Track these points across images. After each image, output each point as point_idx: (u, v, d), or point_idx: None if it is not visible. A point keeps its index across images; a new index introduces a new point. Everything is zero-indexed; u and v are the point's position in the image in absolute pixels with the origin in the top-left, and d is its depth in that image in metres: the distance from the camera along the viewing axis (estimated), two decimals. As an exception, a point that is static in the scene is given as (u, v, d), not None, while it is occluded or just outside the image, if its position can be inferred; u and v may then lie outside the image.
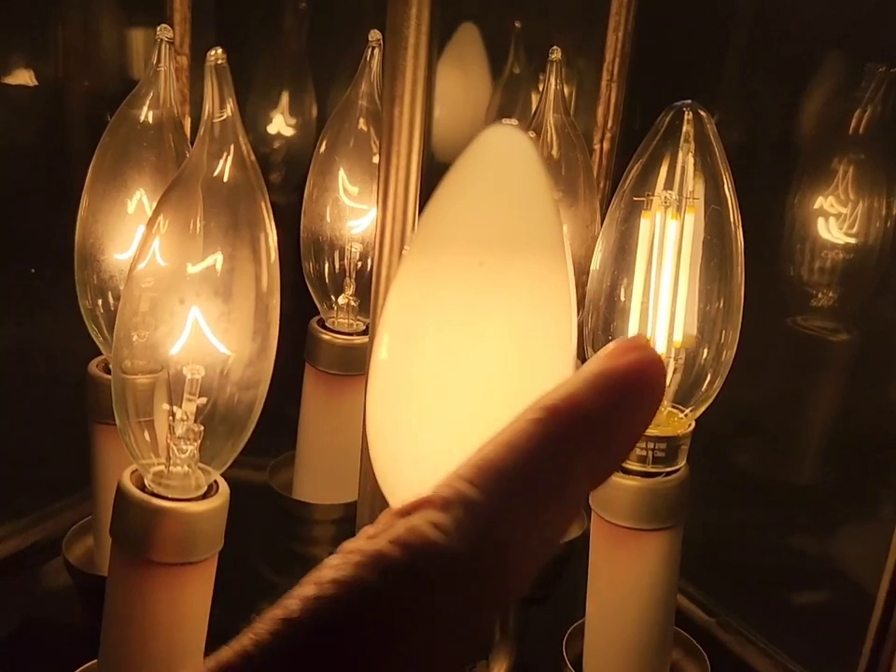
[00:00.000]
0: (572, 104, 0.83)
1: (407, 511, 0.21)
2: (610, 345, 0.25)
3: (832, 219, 0.72)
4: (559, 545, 0.23)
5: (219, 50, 0.37)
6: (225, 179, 0.37)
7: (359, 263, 0.60)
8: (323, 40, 0.94)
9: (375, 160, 0.60)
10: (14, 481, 0.67)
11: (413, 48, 0.44)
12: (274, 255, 0.39)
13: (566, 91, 0.90)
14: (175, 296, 0.38)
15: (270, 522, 0.68)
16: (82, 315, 0.52)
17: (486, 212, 0.32)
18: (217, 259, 0.38)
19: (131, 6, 0.78)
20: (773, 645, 0.65)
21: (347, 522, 0.64)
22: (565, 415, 0.23)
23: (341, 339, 0.60)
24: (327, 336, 0.60)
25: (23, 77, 0.72)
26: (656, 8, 0.74)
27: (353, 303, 0.61)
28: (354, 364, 0.61)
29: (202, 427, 0.40)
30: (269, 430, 0.48)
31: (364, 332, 0.62)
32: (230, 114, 0.37)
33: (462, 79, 0.92)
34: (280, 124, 0.93)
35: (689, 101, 0.44)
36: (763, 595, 0.71)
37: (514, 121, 0.32)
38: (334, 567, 0.20)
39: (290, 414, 0.66)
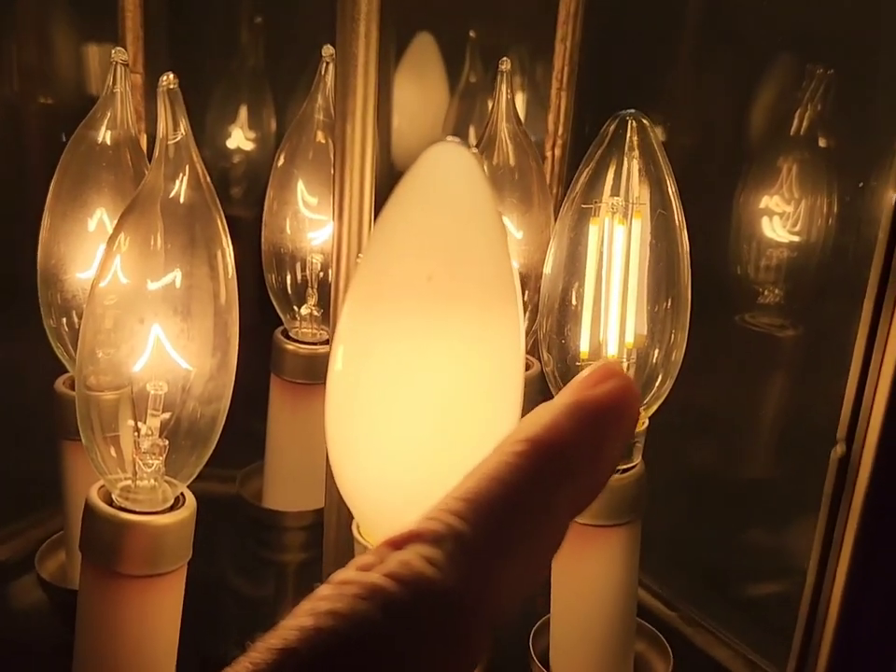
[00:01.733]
0: (526, 111, 0.85)
1: (398, 544, 0.21)
2: (585, 373, 0.26)
3: (776, 218, 0.74)
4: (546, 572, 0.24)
5: (171, 75, 0.38)
6: (181, 200, 0.39)
7: (321, 274, 0.61)
8: (279, 54, 0.95)
9: (329, 170, 0.61)
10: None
11: (362, 66, 0.45)
12: (232, 271, 0.40)
13: (521, 98, 0.92)
14: (135, 314, 0.39)
15: (239, 531, 0.69)
16: (46, 333, 0.53)
17: (433, 227, 0.33)
18: (175, 278, 0.39)
19: (85, 23, 0.79)
20: (732, 636, 0.67)
21: (317, 528, 0.66)
22: (547, 447, 0.24)
23: (305, 348, 0.62)
24: (291, 346, 0.62)
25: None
26: (603, 17, 0.75)
27: (315, 313, 0.62)
28: (318, 372, 0.61)
29: (166, 442, 0.41)
30: (236, 441, 0.49)
31: (327, 341, 0.63)
32: (183, 135, 0.39)
33: (420, 88, 0.93)
34: (239, 138, 0.94)
35: (632, 110, 0.45)
36: (721, 589, 0.73)
37: (458, 139, 0.33)
38: (329, 598, 0.20)
39: (257, 426, 0.67)
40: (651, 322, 0.46)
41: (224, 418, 0.42)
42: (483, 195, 0.33)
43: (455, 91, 0.90)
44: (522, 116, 0.65)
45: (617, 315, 0.46)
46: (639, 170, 0.45)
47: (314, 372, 0.62)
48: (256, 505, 0.65)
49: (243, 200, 0.91)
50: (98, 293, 0.40)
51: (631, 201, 0.45)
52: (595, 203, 0.46)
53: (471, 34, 0.88)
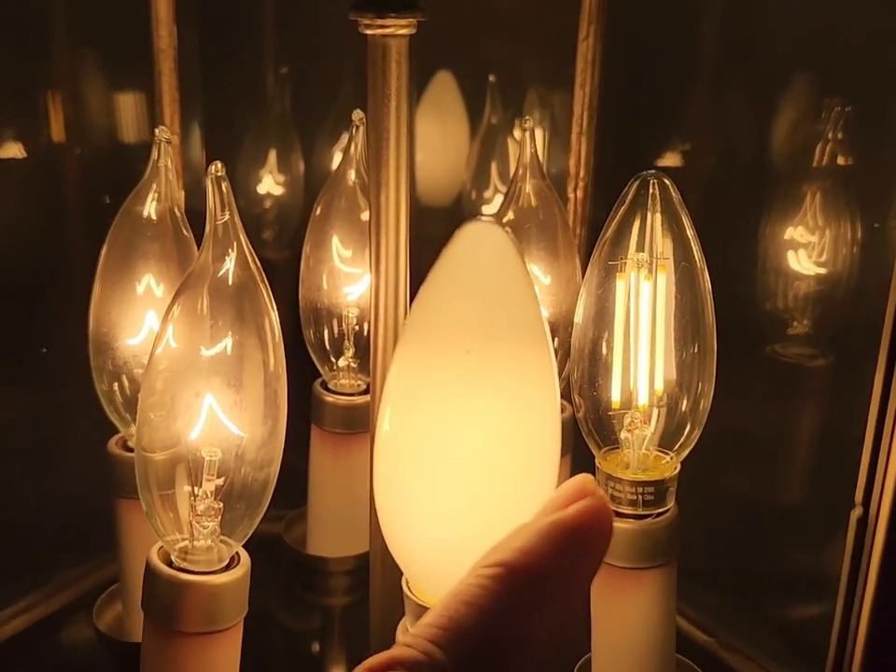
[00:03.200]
0: (547, 149, 0.87)
1: (377, 670, 0.22)
2: (559, 492, 0.26)
3: (801, 250, 0.75)
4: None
5: (219, 164, 0.40)
6: (230, 281, 0.41)
7: (356, 327, 0.63)
8: (304, 100, 0.98)
9: (364, 226, 0.63)
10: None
11: (394, 139, 0.47)
12: (279, 338, 0.42)
13: (540, 135, 0.94)
14: (190, 385, 0.42)
15: (285, 573, 0.71)
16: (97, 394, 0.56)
17: (470, 303, 0.35)
18: (226, 349, 0.41)
19: (119, 72, 0.81)
20: (771, 661, 0.68)
21: (360, 572, 0.68)
22: (522, 570, 0.24)
23: (344, 399, 0.64)
24: (330, 398, 0.64)
25: (14, 149, 0.75)
26: (622, 58, 0.77)
27: (353, 364, 0.64)
28: (357, 422, 0.64)
29: (221, 504, 0.43)
30: (280, 482, 0.51)
31: (365, 392, 0.65)
32: (230, 216, 0.41)
33: (440, 124, 0.95)
34: (269, 184, 0.97)
35: (653, 171, 0.47)
36: (758, 613, 0.74)
37: (491, 217, 0.35)
38: None
39: (298, 467, 0.69)
40: (679, 371, 0.48)
41: (275, 481, 0.44)
42: (517, 271, 0.35)
43: (477, 131, 0.92)
44: (541, 152, 0.67)
45: (646, 365, 0.48)
46: (662, 226, 0.47)
47: (353, 422, 0.64)
48: (300, 551, 0.67)
49: (275, 243, 0.94)
50: (154, 365, 0.42)
51: (655, 255, 0.47)
52: (621, 259, 0.48)
53: (491, 78, 0.90)
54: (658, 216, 0.47)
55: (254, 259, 0.42)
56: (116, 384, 0.55)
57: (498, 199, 0.91)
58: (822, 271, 0.74)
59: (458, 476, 0.36)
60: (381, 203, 0.48)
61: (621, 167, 0.80)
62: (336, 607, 0.68)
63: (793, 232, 0.76)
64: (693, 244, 0.48)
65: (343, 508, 0.66)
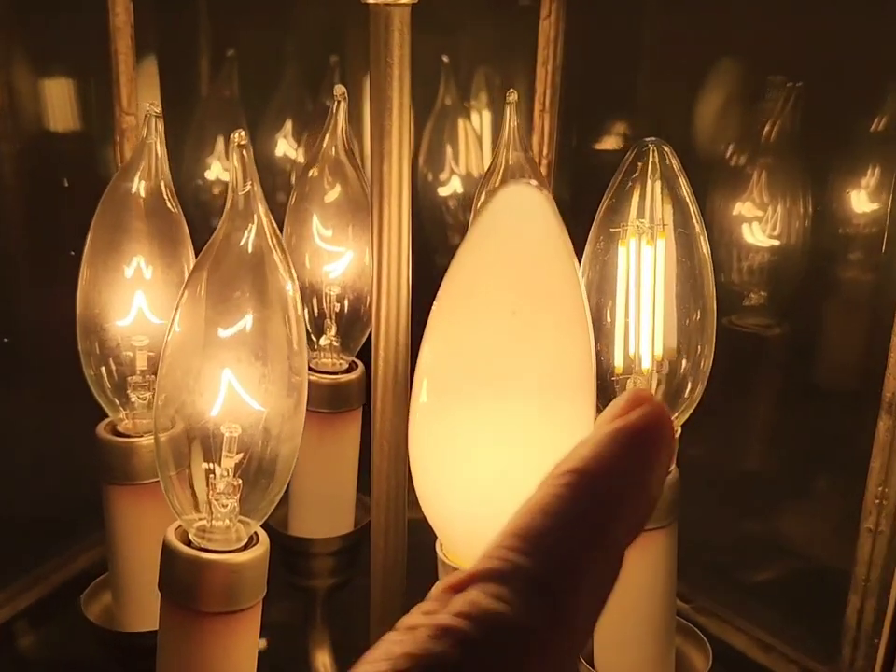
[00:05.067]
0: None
1: (459, 587, 0.21)
2: (619, 401, 0.26)
3: (754, 223, 0.78)
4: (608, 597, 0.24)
5: (242, 133, 0.39)
6: (251, 253, 0.40)
7: (338, 305, 0.63)
8: (251, 84, 0.97)
9: (345, 205, 0.63)
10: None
11: (397, 108, 0.47)
12: (300, 314, 0.42)
13: (489, 118, 0.95)
14: (210, 359, 0.41)
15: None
16: (86, 381, 0.54)
17: (513, 265, 0.35)
18: (248, 323, 0.40)
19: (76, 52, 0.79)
20: (745, 621, 0.71)
21: (343, 553, 0.67)
22: (592, 476, 0.23)
23: (327, 378, 0.63)
24: (314, 377, 0.63)
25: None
26: (583, 36, 0.78)
27: (335, 343, 0.64)
28: (342, 401, 0.64)
29: (240, 482, 0.43)
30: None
31: (348, 370, 0.65)
32: (251, 187, 0.40)
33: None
34: (218, 170, 0.95)
35: (653, 138, 0.48)
36: (727, 577, 0.76)
37: (533, 181, 0.35)
38: (401, 642, 0.20)
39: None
40: (680, 335, 0.49)
41: (296, 456, 0.43)
42: (557, 233, 0.36)
43: (431, 113, 0.92)
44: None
45: (649, 331, 0.49)
46: (661, 192, 0.48)
47: (336, 401, 0.64)
48: (282, 532, 0.67)
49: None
50: (172, 341, 0.41)
51: (655, 222, 0.48)
52: (623, 226, 0.48)
53: (444, 58, 0.90)
54: (657, 182, 0.48)
55: (275, 231, 0.41)
56: (104, 367, 0.53)
57: (454, 180, 0.91)
58: (775, 243, 0.76)
59: (500, 440, 0.36)
60: (383, 173, 0.48)
61: (584, 145, 0.81)
62: (320, 589, 0.68)
63: (742, 207, 0.78)
64: (692, 209, 0.49)
65: (327, 488, 0.66)
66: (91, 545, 0.72)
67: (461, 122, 0.91)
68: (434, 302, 0.38)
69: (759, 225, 0.77)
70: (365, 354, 0.61)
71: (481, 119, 0.93)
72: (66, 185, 0.72)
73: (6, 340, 0.69)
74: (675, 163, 0.48)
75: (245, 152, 0.40)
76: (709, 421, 0.81)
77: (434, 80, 0.91)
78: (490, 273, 0.36)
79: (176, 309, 0.41)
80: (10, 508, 0.67)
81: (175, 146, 0.86)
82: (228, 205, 0.41)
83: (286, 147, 0.99)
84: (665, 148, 0.48)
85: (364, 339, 0.65)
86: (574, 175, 0.81)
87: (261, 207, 0.41)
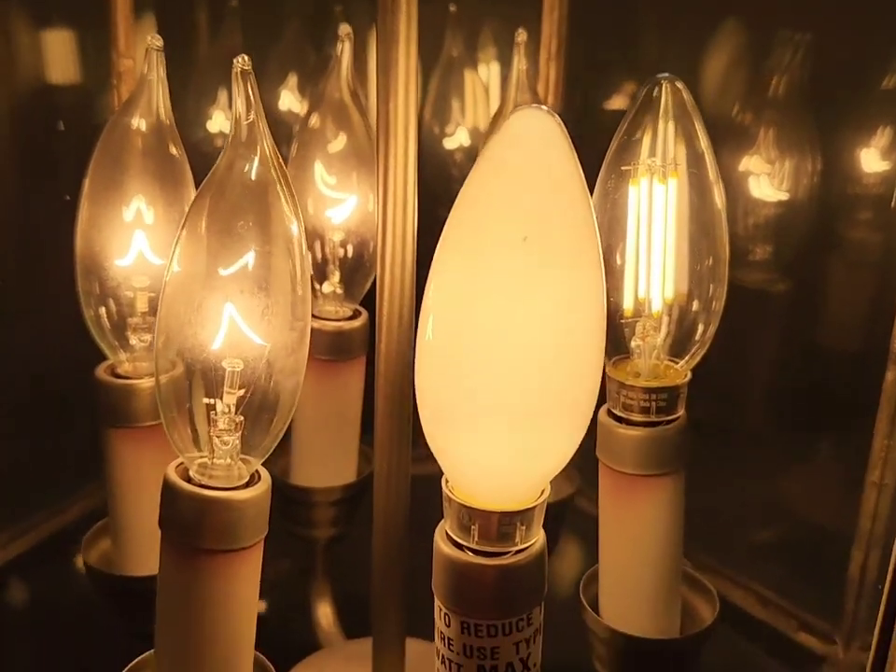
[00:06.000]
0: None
1: None
2: None
3: (762, 178, 0.77)
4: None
5: (245, 57, 0.38)
6: (255, 183, 0.39)
7: (341, 251, 0.62)
8: (251, 36, 0.95)
9: (349, 149, 0.62)
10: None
11: (404, 42, 0.46)
12: (305, 249, 0.41)
13: (496, 70, 0.93)
14: (213, 292, 0.40)
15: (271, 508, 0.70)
16: (85, 321, 0.54)
17: (524, 190, 0.34)
18: (252, 255, 0.39)
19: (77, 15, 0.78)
20: (746, 577, 0.70)
21: (346, 503, 0.67)
22: None
23: (330, 325, 0.63)
24: (316, 324, 0.62)
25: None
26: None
27: (338, 291, 0.63)
28: (344, 349, 0.63)
29: (242, 418, 0.42)
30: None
31: (351, 318, 0.64)
32: (255, 116, 0.39)
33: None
34: (220, 122, 0.94)
35: (666, 74, 0.47)
36: (729, 534, 0.76)
37: (544, 106, 0.34)
38: None
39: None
40: (691, 277, 0.48)
41: (300, 391, 0.43)
42: (570, 159, 0.35)
43: (437, 65, 0.91)
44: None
45: (660, 273, 0.48)
46: (674, 131, 0.47)
47: (339, 349, 0.63)
48: (284, 481, 0.66)
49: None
50: (173, 274, 0.40)
51: (667, 161, 0.47)
52: (634, 164, 0.47)
53: (451, 8, 0.89)
54: (670, 120, 0.47)
55: (280, 165, 0.40)
56: (103, 308, 0.53)
57: (460, 132, 0.90)
58: (782, 197, 0.75)
59: (509, 374, 0.36)
60: (389, 112, 0.47)
61: (591, 95, 0.80)
62: (321, 539, 0.67)
63: (750, 162, 0.77)
64: (705, 149, 0.48)
65: (329, 437, 0.65)
66: (85, 494, 0.71)
67: (468, 74, 0.90)
68: (441, 235, 0.37)
69: (766, 179, 0.76)
70: (369, 302, 0.61)
71: (488, 71, 0.92)
72: (62, 128, 0.71)
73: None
74: (689, 100, 0.47)
75: (249, 79, 0.39)
76: (711, 378, 0.81)
77: (440, 31, 0.90)
78: (500, 199, 0.35)
79: (176, 242, 0.40)
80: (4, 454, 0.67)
81: (176, 99, 0.85)
82: (231, 136, 0.39)
83: (290, 100, 0.98)
84: (679, 85, 0.47)
85: (368, 286, 0.64)
86: (580, 124, 0.79)
87: (266, 138, 0.40)
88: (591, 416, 0.38)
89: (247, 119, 0.39)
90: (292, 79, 0.97)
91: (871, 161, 0.73)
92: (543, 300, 0.34)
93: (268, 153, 0.40)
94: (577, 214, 0.35)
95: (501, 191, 0.34)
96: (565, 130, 0.34)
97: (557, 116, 0.34)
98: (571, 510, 0.67)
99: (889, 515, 0.59)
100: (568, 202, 0.35)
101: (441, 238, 0.36)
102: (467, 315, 0.35)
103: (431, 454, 0.39)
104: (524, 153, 0.34)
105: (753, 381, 0.81)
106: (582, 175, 0.35)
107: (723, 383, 0.81)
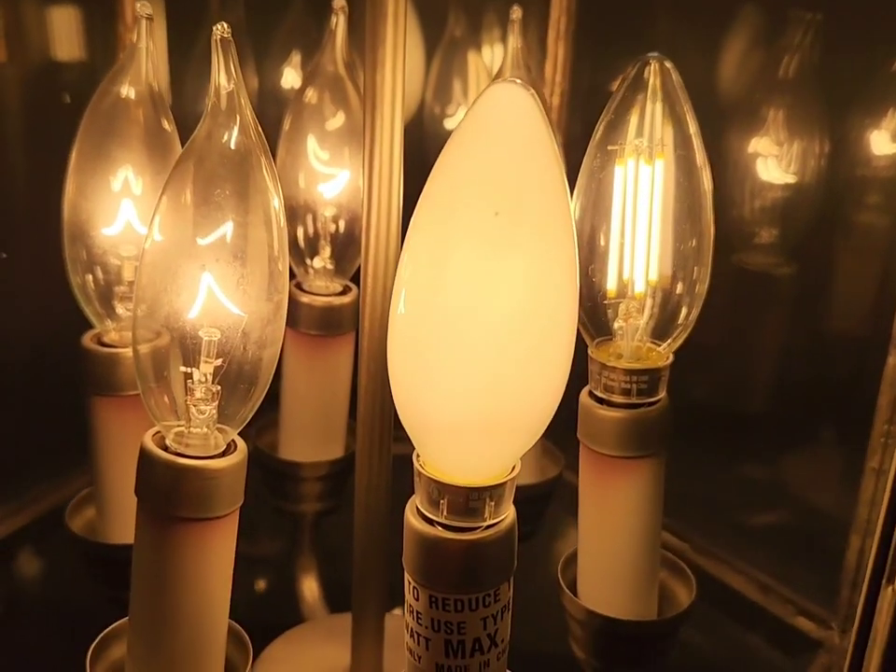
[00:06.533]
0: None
1: None
2: None
3: (769, 160, 0.76)
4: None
5: (224, 25, 0.38)
6: (234, 152, 0.39)
7: (332, 226, 0.62)
8: (255, 13, 0.95)
9: (342, 124, 0.62)
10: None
11: (392, 15, 0.46)
12: (283, 221, 0.41)
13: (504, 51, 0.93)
14: (189, 262, 0.40)
15: (255, 483, 0.70)
16: (72, 290, 0.54)
17: (497, 164, 0.34)
18: (230, 224, 0.39)
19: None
20: (744, 563, 0.70)
21: (333, 478, 0.67)
22: None
23: (320, 300, 0.63)
24: (306, 298, 0.63)
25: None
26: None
27: (329, 266, 0.63)
28: (333, 324, 0.63)
29: (219, 388, 0.42)
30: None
31: (342, 293, 0.64)
32: (235, 84, 0.39)
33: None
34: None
35: (655, 53, 0.47)
36: (726, 518, 0.76)
37: (517, 80, 0.34)
38: None
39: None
40: (675, 259, 0.48)
41: (276, 363, 0.43)
42: (543, 132, 0.34)
43: (439, 46, 0.90)
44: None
45: (644, 254, 0.48)
46: (662, 112, 0.47)
47: (329, 324, 0.63)
48: (272, 456, 0.66)
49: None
50: (152, 243, 0.40)
51: (654, 142, 0.47)
52: (620, 144, 0.47)
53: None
54: (658, 100, 0.47)
55: (260, 136, 0.40)
56: (90, 275, 0.53)
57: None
58: (789, 180, 0.75)
59: (478, 349, 0.35)
60: (377, 85, 0.47)
61: (599, 74, 0.79)
62: (308, 514, 0.68)
63: (758, 144, 0.76)
64: (692, 131, 0.47)
65: (318, 412, 0.65)
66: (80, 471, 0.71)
67: (470, 55, 0.89)
68: (415, 209, 0.37)
69: (774, 161, 0.75)
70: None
71: (492, 53, 0.91)
72: (68, 101, 0.71)
73: (4, 255, 0.68)
74: (677, 81, 0.47)
75: (229, 47, 0.39)
76: (713, 360, 0.80)
77: (443, 12, 0.89)
78: (472, 174, 0.34)
79: (155, 210, 0.40)
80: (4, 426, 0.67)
81: (178, 76, 0.85)
82: (210, 105, 0.39)
83: (293, 77, 0.97)
84: (668, 65, 0.47)
85: (359, 262, 0.64)
86: (587, 103, 0.79)
87: (248, 111, 0.40)
88: (562, 392, 0.37)
89: (227, 88, 0.39)
90: (295, 57, 0.97)
91: (880, 143, 0.72)
92: (514, 274, 0.34)
93: (248, 123, 0.40)
94: (550, 189, 0.35)
95: (473, 166, 0.34)
96: (540, 104, 0.34)
97: (532, 90, 0.34)
98: (556, 491, 0.67)
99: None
100: (542, 177, 0.34)
101: (414, 212, 0.36)
102: (438, 288, 0.35)
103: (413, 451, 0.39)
104: (496, 127, 0.34)
105: (756, 364, 0.81)
106: (557, 150, 0.35)
107: (725, 366, 0.81)
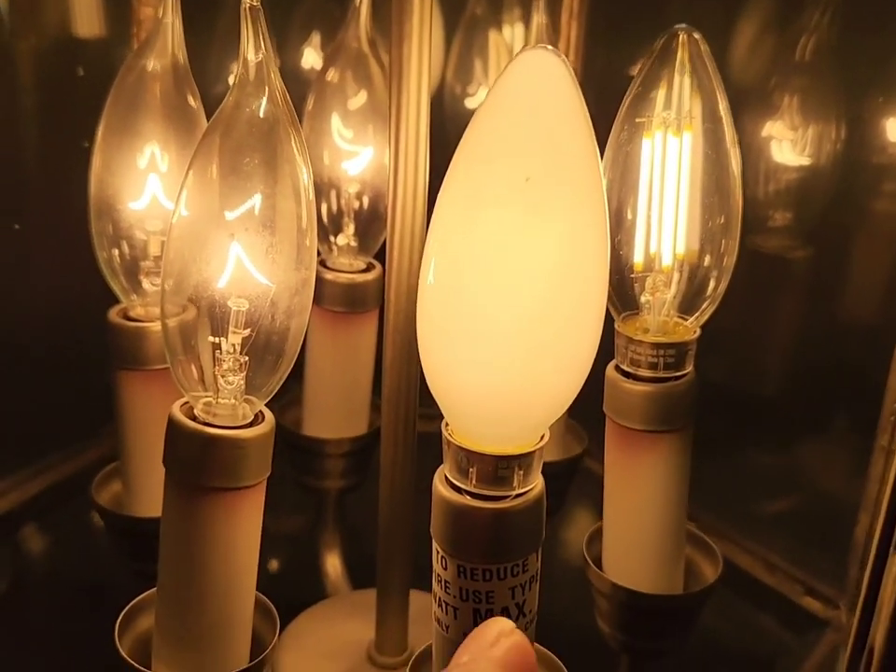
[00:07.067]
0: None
1: None
2: (481, 633, 0.31)
3: (784, 143, 0.75)
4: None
5: (255, -10, 0.38)
6: (263, 121, 0.39)
7: (356, 203, 0.62)
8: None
9: (366, 101, 0.62)
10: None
11: (420, -11, 0.46)
12: (312, 195, 0.41)
13: (521, 30, 0.92)
14: (218, 232, 0.40)
15: (283, 460, 0.70)
16: (98, 265, 0.54)
17: (528, 130, 0.34)
18: (258, 195, 0.39)
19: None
20: (753, 542, 0.70)
21: (356, 455, 0.67)
22: None
23: (344, 277, 0.63)
24: (330, 276, 0.63)
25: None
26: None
27: (353, 244, 0.63)
28: (357, 301, 0.63)
29: (247, 358, 0.42)
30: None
31: (365, 270, 0.64)
32: (264, 54, 0.39)
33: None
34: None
35: (683, 25, 0.46)
36: (736, 499, 0.75)
37: (550, 46, 0.34)
38: None
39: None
40: (702, 232, 0.48)
41: (304, 333, 0.43)
42: (574, 98, 0.34)
43: (459, 24, 0.90)
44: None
45: (671, 227, 0.47)
46: (690, 84, 0.47)
47: (352, 301, 0.63)
48: (296, 432, 0.67)
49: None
50: (179, 216, 0.40)
51: (682, 115, 0.47)
52: (648, 117, 0.47)
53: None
54: (686, 73, 0.47)
55: (289, 108, 0.40)
56: (116, 250, 0.53)
57: (482, 93, 0.89)
58: (805, 162, 0.74)
59: (509, 317, 0.35)
60: (403, 57, 0.47)
61: (612, 56, 0.79)
62: (332, 490, 0.68)
63: (773, 126, 0.76)
64: (721, 105, 0.47)
65: (342, 388, 0.65)
66: (101, 439, 0.72)
67: (491, 34, 0.89)
68: (445, 176, 0.36)
69: (790, 145, 0.75)
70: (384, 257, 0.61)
71: (512, 32, 0.91)
72: (82, 74, 0.71)
73: (16, 226, 0.68)
74: (706, 52, 0.47)
75: (258, 16, 0.38)
76: (726, 342, 0.80)
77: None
78: (503, 139, 0.34)
79: (183, 181, 0.40)
80: (22, 397, 0.67)
81: (198, 56, 0.85)
82: (238, 75, 0.39)
83: (313, 58, 0.97)
84: (696, 36, 0.46)
85: (382, 239, 0.64)
86: (600, 85, 0.78)
87: (276, 78, 0.39)
88: (592, 360, 0.37)
89: (256, 58, 0.39)
90: (315, 38, 0.97)
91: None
92: (545, 239, 0.34)
93: (277, 93, 0.40)
94: (582, 155, 0.34)
95: (504, 131, 0.34)
96: (571, 70, 0.34)
97: (564, 56, 0.34)
98: (580, 468, 0.67)
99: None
100: (573, 143, 0.34)
101: (444, 180, 0.36)
102: (468, 253, 0.35)
103: (441, 412, 0.39)
104: (528, 92, 0.34)
105: (768, 346, 0.81)
106: (588, 116, 0.34)
107: (738, 348, 0.80)
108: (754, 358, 0.81)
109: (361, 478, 0.68)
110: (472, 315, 0.36)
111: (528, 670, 0.31)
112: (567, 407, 0.38)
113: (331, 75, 0.62)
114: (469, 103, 0.89)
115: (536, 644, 0.44)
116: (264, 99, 0.40)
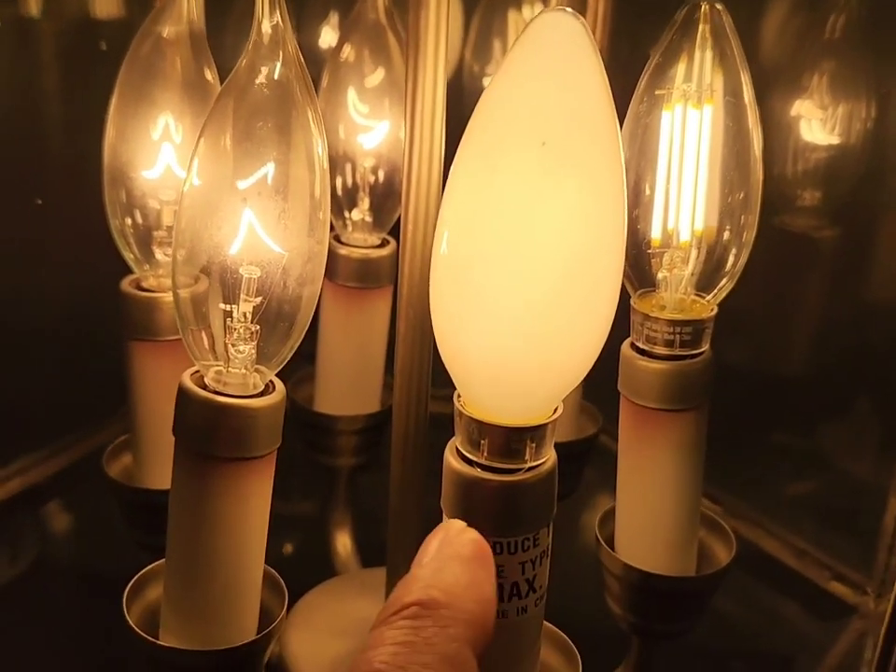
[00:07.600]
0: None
1: None
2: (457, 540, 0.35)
3: (813, 122, 0.74)
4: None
5: (272, -46, 0.38)
6: (277, 84, 0.39)
7: (372, 178, 0.62)
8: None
9: (383, 76, 0.61)
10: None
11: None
12: (326, 164, 0.40)
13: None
14: (231, 199, 0.40)
15: (293, 437, 0.70)
16: (112, 234, 0.54)
17: (544, 94, 0.33)
18: (271, 160, 0.39)
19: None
20: (779, 527, 0.69)
21: (369, 432, 0.67)
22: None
23: (358, 252, 0.62)
24: (344, 251, 0.62)
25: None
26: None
27: (367, 219, 0.63)
28: (372, 276, 0.63)
29: (258, 327, 0.42)
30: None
31: (380, 246, 0.64)
32: (279, 19, 0.39)
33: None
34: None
35: (707, -5, 0.46)
36: (763, 483, 0.75)
37: (568, 8, 0.33)
38: None
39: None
40: (721, 207, 0.47)
41: (316, 302, 0.42)
42: (593, 62, 0.34)
43: (479, 2, 0.89)
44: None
45: (690, 202, 0.47)
46: (712, 56, 0.46)
47: (367, 276, 0.63)
48: (308, 409, 0.66)
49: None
50: (191, 185, 0.40)
51: (703, 87, 0.46)
52: (668, 89, 0.46)
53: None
54: (708, 45, 0.46)
55: (304, 73, 0.39)
56: (129, 218, 0.53)
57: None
58: (834, 141, 0.73)
59: (522, 286, 0.35)
60: (420, 23, 0.46)
61: (639, 30, 0.78)
62: (343, 468, 0.68)
63: (802, 105, 0.75)
64: (743, 78, 0.46)
65: (354, 365, 0.65)
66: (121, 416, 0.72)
67: (511, 13, 0.88)
68: (460, 143, 0.36)
69: (818, 123, 0.74)
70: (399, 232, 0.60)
71: (532, 11, 0.90)
72: (104, 48, 0.71)
73: (39, 201, 0.68)
74: (729, 24, 0.46)
75: (274, -25, 0.38)
76: (751, 322, 0.79)
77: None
78: (520, 102, 0.34)
79: (196, 146, 0.39)
80: (37, 375, 0.67)
81: (216, 35, 0.84)
82: (252, 40, 0.39)
83: (331, 37, 0.97)
84: (719, 6, 0.45)
85: (397, 215, 0.63)
86: (627, 60, 0.78)
87: (290, 43, 0.39)
88: (607, 333, 0.37)
89: (272, 21, 0.38)
90: (334, 17, 0.96)
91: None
92: (561, 205, 0.34)
93: (292, 58, 0.39)
94: (600, 120, 0.34)
95: (520, 95, 0.34)
96: (591, 33, 0.33)
97: (583, 18, 0.33)
98: (593, 449, 0.66)
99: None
100: (591, 107, 0.34)
101: (458, 146, 0.36)
102: (481, 221, 0.35)
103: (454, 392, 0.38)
104: (545, 55, 0.33)
105: (794, 327, 0.80)
106: (607, 80, 0.34)
107: (763, 328, 0.80)
108: (780, 339, 0.80)
109: (373, 456, 0.68)
110: (485, 285, 0.35)
111: (487, 560, 0.35)
112: (580, 379, 0.38)
113: (348, 47, 0.61)
114: (488, 82, 0.88)
115: (546, 623, 0.43)
116: (279, 63, 0.39)
